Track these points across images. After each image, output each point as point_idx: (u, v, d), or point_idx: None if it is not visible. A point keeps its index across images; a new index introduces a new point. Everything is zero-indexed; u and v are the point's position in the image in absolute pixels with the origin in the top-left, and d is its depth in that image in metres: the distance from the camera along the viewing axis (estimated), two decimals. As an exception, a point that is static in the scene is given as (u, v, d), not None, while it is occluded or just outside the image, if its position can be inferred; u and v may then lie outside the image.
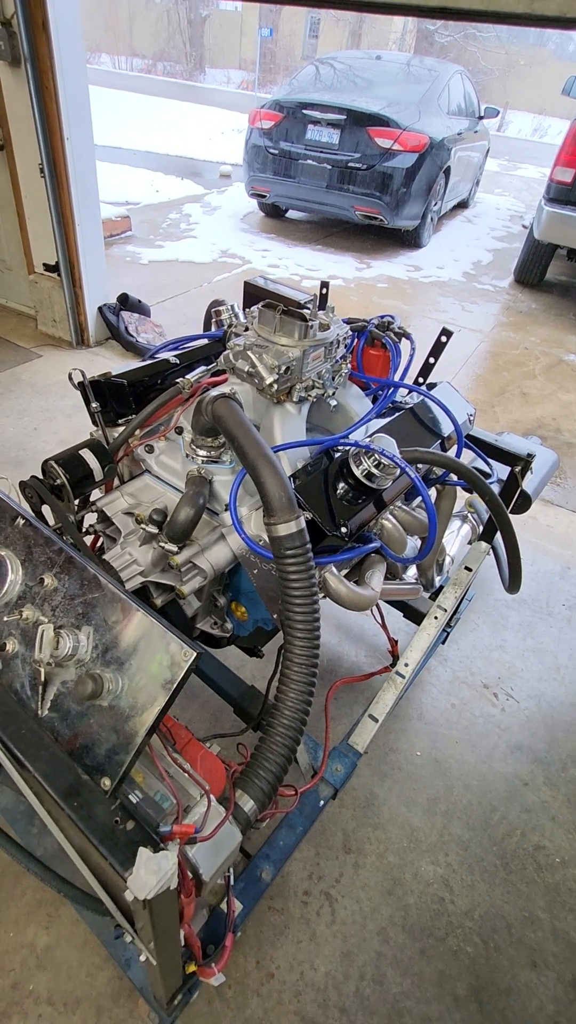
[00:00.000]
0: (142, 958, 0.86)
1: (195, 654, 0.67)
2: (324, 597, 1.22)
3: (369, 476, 1.12)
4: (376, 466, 1.11)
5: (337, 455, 1.18)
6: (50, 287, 3.77)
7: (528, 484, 2.07)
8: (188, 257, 6.09)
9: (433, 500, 1.61)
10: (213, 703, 2.02)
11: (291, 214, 7.78)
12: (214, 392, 1.11)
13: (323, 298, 1.78)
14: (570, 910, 1.70)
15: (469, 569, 1.82)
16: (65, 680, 0.77)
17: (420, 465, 1.33)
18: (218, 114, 15.40)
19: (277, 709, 0.95)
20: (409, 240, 7.15)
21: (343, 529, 1.07)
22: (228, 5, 26.36)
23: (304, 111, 6.33)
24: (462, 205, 9.22)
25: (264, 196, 7.01)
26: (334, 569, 1.16)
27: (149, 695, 0.69)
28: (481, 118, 8.17)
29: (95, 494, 1.34)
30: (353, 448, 1.12)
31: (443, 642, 2.24)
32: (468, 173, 8.37)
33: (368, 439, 1.11)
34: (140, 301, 4.13)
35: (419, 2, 2.19)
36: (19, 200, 3.58)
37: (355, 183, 6.35)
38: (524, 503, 2.09)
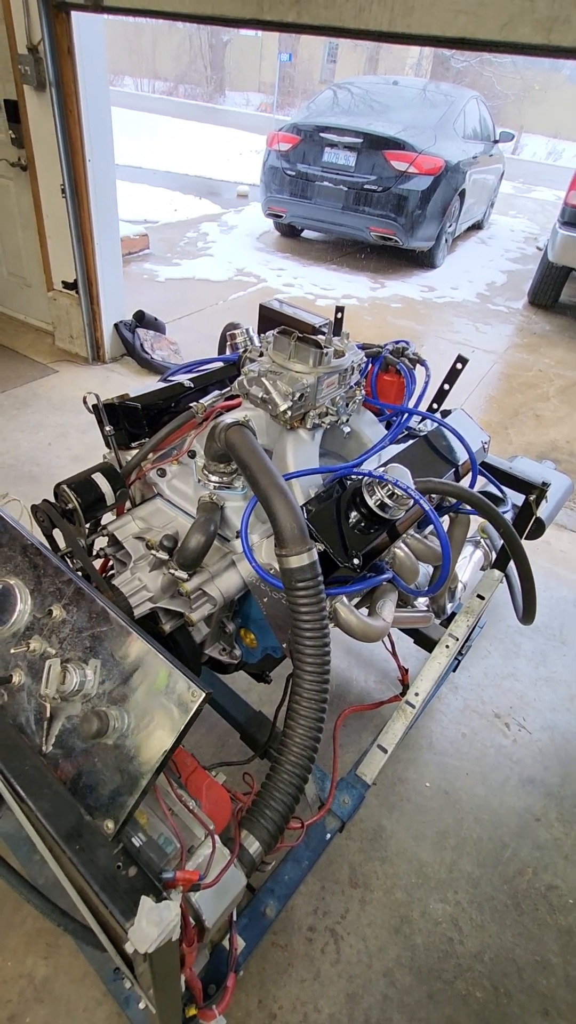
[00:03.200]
0: (141, 1005, 0.83)
1: (203, 695, 0.66)
2: (334, 627, 1.20)
3: (382, 506, 1.10)
4: (389, 496, 1.09)
5: (350, 483, 1.17)
6: (68, 304, 3.83)
7: (542, 510, 2.05)
8: (204, 275, 6.17)
9: (446, 528, 1.59)
10: (220, 728, 1.99)
11: (306, 234, 7.87)
12: (228, 419, 1.10)
13: (338, 323, 1.78)
14: (584, 956, 1.63)
15: (482, 597, 1.79)
16: (71, 715, 0.75)
17: (433, 496, 1.32)
18: (237, 135, 15.71)
19: (285, 745, 0.92)
20: (423, 261, 7.20)
21: (355, 561, 1.06)
22: (249, 31, 27.01)
23: (321, 134, 6.43)
24: (477, 227, 9.28)
25: (280, 216, 7.11)
26: (345, 599, 1.14)
27: (155, 735, 0.67)
28: (496, 142, 8.25)
29: (106, 517, 1.33)
30: (367, 478, 1.11)
31: (454, 670, 2.20)
32: (483, 195, 8.44)
33: (382, 469, 1.09)
34: (156, 319, 4.17)
35: (438, 33, 2.22)
36: (40, 219, 3.65)
37: (371, 204, 6.42)
38: (538, 529, 2.06)
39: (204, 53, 25.36)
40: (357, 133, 6.27)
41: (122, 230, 6.33)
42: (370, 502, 1.11)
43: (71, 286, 3.75)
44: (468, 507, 1.47)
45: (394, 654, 1.75)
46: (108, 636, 0.75)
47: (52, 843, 0.70)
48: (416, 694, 1.70)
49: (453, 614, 1.83)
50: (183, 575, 1.11)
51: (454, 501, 1.53)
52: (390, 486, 1.08)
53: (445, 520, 1.73)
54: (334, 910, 1.65)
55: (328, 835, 1.54)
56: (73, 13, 2.92)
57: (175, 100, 22.42)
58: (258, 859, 0.86)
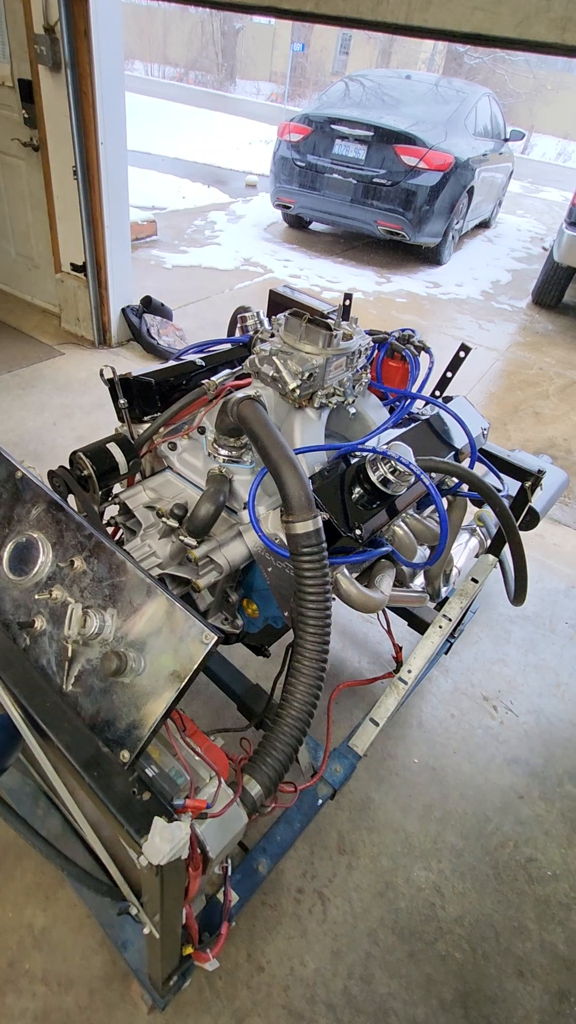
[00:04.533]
0: (146, 931, 0.90)
1: (215, 637, 0.71)
2: (334, 598, 1.26)
3: (385, 482, 1.16)
4: (392, 472, 1.15)
5: (354, 461, 1.22)
6: (76, 286, 3.86)
7: (537, 502, 2.11)
8: (211, 263, 6.19)
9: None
10: (217, 700, 2.05)
11: (314, 226, 7.89)
12: (239, 394, 1.15)
13: (346, 309, 1.83)
14: (559, 923, 1.71)
15: (475, 581, 1.86)
16: (89, 658, 0.81)
17: (433, 475, 1.37)
18: (246, 124, 15.63)
19: (287, 701, 0.99)
20: (429, 257, 7.23)
21: (357, 532, 1.11)
22: (262, 18, 26.77)
23: (333, 126, 6.43)
24: (484, 225, 9.30)
25: (289, 207, 7.12)
26: (345, 571, 1.20)
27: (170, 674, 0.73)
28: (506, 140, 8.26)
29: (117, 487, 1.38)
30: (371, 454, 1.16)
31: (446, 652, 2.27)
32: (491, 194, 8.46)
33: (385, 446, 1.15)
34: (163, 304, 4.21)
35: (454, 28, 2.25)
36: (50, 200, 3.67)
37: (379, 198, 6.44)
38: (532, 520, 2.12)
39: (216, 40, 25.16)
40: (368, 126, 6.28)
41: (131, 215, 6.36)
42: (373, 477, 1.16)
43: (79, 269, 3.77)
44: (466, 488, 1.53)
45: (389, 632, 1.82)
46: (126, 586, 0.81)
47: (72, 774, 0.76)
48: (409, 671, 1.76)
49: (447, 598, 1.90)
50: (192, 542, 1.16)
51: (453, 484, 1.59)
52: (392, 462, 1.14)
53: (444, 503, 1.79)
54: (322, 874, 1.72)
55: (320, 801, 1.61)
56: (91, -6, 2.94)
57: (185, 86, 22.26)
58: (259, 801, 0.92)
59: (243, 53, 26.40)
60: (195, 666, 0.71)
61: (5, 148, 3.79)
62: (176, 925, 0.91)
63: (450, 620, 1.78)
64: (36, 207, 3.86)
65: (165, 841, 0.64)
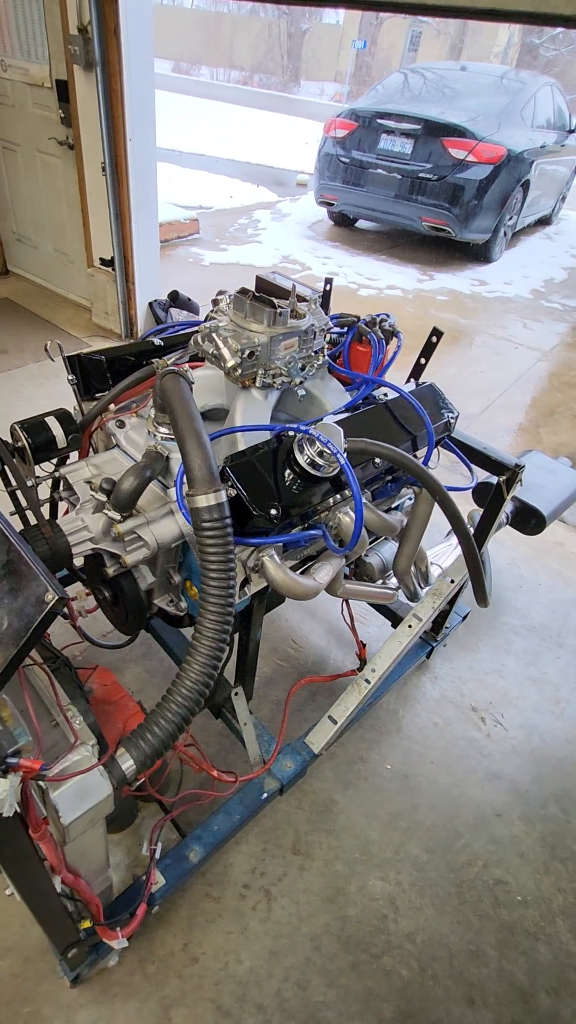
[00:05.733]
0: (7, 892, 0.89)
1: (57, 597, 0.70)
2: (262, 579, 1.21)
3: (313, 464, 1.11)
4: (319, 454, 1.10)
5: (285, 440, 1.18)
6: (105, 281, 3.96)
7: (545, 504, 1.98)
8: (249, 261, 6.23)
9: (411, 503, 1.57)
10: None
11: (360, 223, 7.79)
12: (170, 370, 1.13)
13: (326, 295, 1.79)
14: (522, 953, 1.59)
15: (452, 581, 1.76)
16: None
17: (379, 460, 1.31)
18: (307, 125, 15.66)
19: (179, 679, 0.96)
20: (479, 254, 6.99)
21: (272, 511, 1.07)
22: (329, 19, 26.81)
23: (379, 120, 6.34)
24: (544, 221, 8.90)
25: (332, 204, 7.07)
26: (273, 553, 1.16)
27: (16, 632, 0.72)
28: (571, 132, 7.87)
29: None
30: (297, 434, 1.12)
31: (427, 656, 2.17)
32: (552, 188, 8.08)
33: (312, 427, 1.10)
34: (190, 299, 4.25)
35: (468, 4, 2.16)
36: (84, 197, 3.79)
37: (424, 193, 6.29)
38: (538, 524, 1.99)
39: (282, 42, 25.38)
40: (416, 120, 6.14)
41: (173, 214, 6.49)
42: (300, 459, 1.12)
43: (108, 263, 3.88)
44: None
45: (353, 629, 1.75)
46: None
47: None
48: (373, 670, 1.69)
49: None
50: (116, 516, 1.16)
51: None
52: (319, 444, 1.09)
53: (409, 493, 1.71)
54: (272, 872, 1.67)
55: (265, 794, 1.57)
56: (121, -7, 3.01)
57: (249, 89, 22.56)
58: (131, 776, 0.89)
59: (309, 54, 26.48)
60: (35, 624, 0.70)
61: (44, 147, 3.94)
62: (43, 891, 0.90)
63: (420, 620, 1.70)
64: (71, 204, 3.99)
65: (-23, 799, 0.63)
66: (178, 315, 4.13)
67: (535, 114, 6.98)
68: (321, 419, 1.33)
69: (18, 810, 0.69)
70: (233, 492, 1.05)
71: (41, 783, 0.77)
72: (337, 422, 1.25)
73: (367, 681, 1.69)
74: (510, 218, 6.93)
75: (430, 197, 6.28)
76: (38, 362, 3.78)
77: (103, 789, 0.82)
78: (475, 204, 6.22)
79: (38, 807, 0.76)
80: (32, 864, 0.80)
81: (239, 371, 1.24)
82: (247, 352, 1.22)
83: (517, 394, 4.46)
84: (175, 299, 4.18)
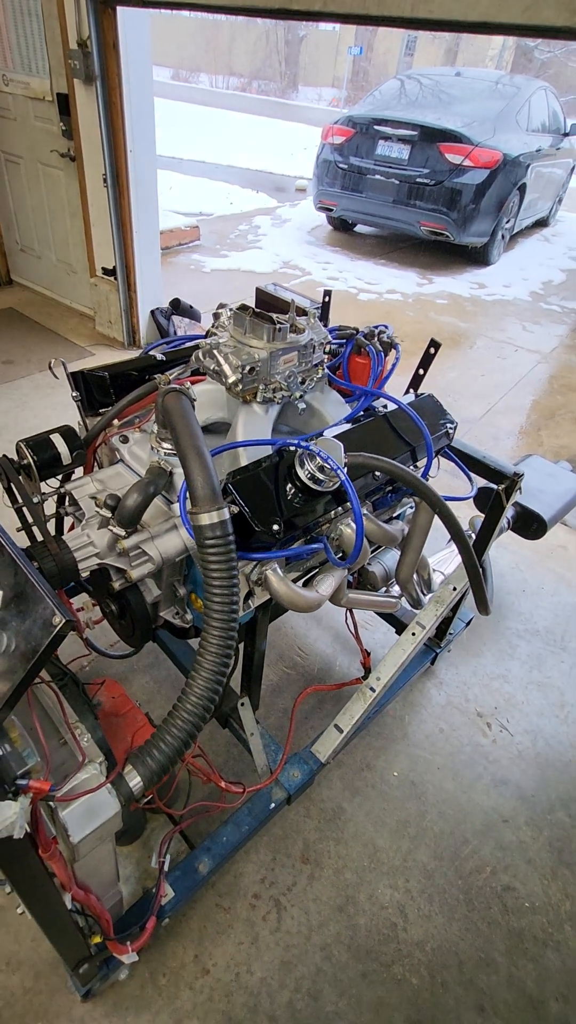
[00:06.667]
0: (19, 910, 0.90)
1: (64, 620, 0.71)
2: (265, 592, 1.23)
3: (313, 479, 1.12)
4: (320, 469, 1.11)
5: (286, 455, 1.19)
6: (107, 290, 3.99)
7: (546, 509, 1.99)
8: (250, 267, 6.26)
9: (412, 513, 1.58)
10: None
11: (359, 228, 7.82)
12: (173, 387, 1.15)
13: (325, 307, 1.80)
14: (531, 959, 1.60)
15: (454, 588, 1.77)
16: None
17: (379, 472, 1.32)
18: (305, 131, 15.73)
19: (184, 694, 0.97)
20: (477, 257, 7.01)
21: (274, 527, 1.08)
22: (326, 24, 26.92)
23: (376, 127, 6.37)
24: (541, 223, 8.92)
25: (331, 210, 7.10)
26: (276, 567, 1.17)
27: (25, 654, 0.73)
28: (567, 135, 7.89)
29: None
30: (299, 449, 1.13)
31: (432, 662, 2.17)
32: (548, 190, 8.10)
33: (314, 442, 1.11)
34: (191, 307, 4.29)
35: (459, 17, 2.18)
36: (86, 208, 3.82)
37: (422, 198, 6.32)
38: (539, 529, 2.00)
39: (280, 49, 25.52)
40: (412, 125, 6.17)
41: (174, 221, 6.54)
42: (301, 474, 1.13)
43: (110, 272, 3.91)
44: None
45: (356, 637, 1.76)
46: None
47: None
48: (378, 679, 1.70)
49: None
50: (121, 532, 1.17)
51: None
52: (319, 459, 1.10)
53: (411, 504, 1.72)
54: (281, 881, 1.68)
55: (272, 804, 1.57)
56: (119, 8, 3.04)
57: (247, 96, 22.67)
58: (138, 793, 0.91)
59: (306, 60, 26.60)
60: (44, 647, 0.71)
61: (46, 160, 3.98)
62: (54, 909, 0.91)
63: (424, 627, 1.71)
64: (74, 215, 4.03)
65: (-10, 821, 0.64)
66: (180, 323, 4.16)
67: (530, 118, 7.00)
68: (321, 433, 1.34)
69: (28, 830, 0.70)
70: (236, 509, 1.07)
71: (51, 803, 0.78)
72: (337, 435, 1.26)
73: (372, 689, 1.70)
74: (507, 221, 6.95)
75: (428, 202, 6.30)
76: (43, 372, 3.81)
77: (111, 807, 0.83)
78: (472, 208, 6.24)
79: (47, 827, 0.77)
80: (42, 882, 0.81)
81: (240, 386, 1.25)
82: (248, 368, 1.24)
83: (518, 397, 4.47)
84: (177, 307, 4.21)
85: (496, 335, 5.42)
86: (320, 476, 1.11)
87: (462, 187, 6.12)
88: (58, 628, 0.70)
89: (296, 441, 1.14)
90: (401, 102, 6.95)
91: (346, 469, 1.09)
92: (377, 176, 6.45)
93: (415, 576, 1.69)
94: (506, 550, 2.91)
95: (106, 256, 3.89)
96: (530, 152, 6.72)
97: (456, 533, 1.25)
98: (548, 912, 1.69)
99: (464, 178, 6.11)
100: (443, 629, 2.13)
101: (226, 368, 1.23)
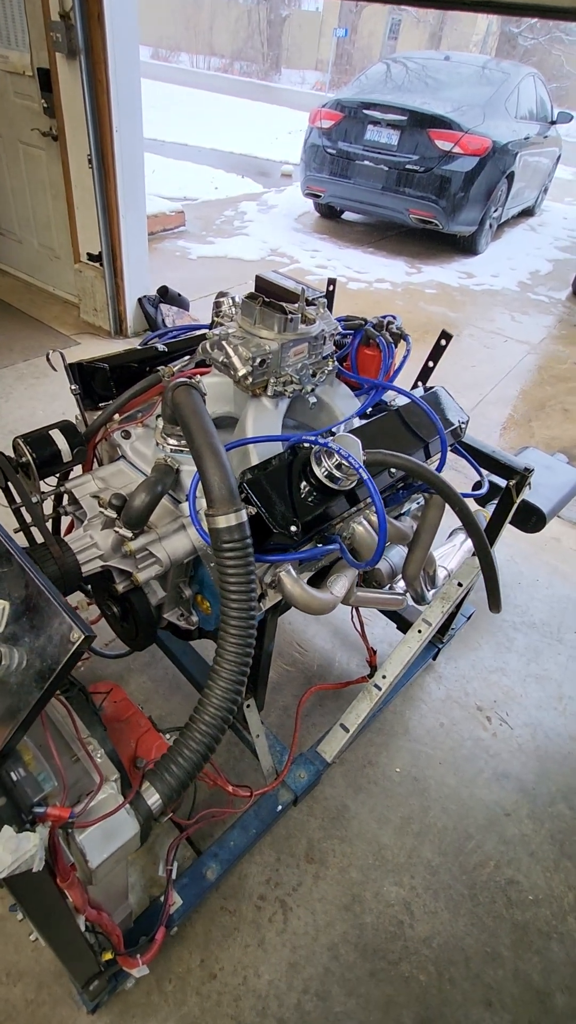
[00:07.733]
0: (32, 937, 0.86)
1: (83, 636, 0.66)
2: (278, 595, 1.19)
3: (331, 477, 1.08)
4: (337, 467, 1.07)
5: (301, 452, 1.15)
6: (93, 276, 3.87)
7: (545, 502, 1.97)
8: (237, 254, 6.14)
9: (421, 510, 1.55)
10: (196, 696, 2.01)
11: (346, 216, 7.72)
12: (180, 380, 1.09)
13: (329, 295, 1.75)
14: (537, 952, 1.60)
15: (460, 584, 1.75)
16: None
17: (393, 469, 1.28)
18: (289, 114, 15.48)
19: (202, 705, 0.93)
20: (465, 246, 6.97)
21: (292, 528, 1.04)
22: (309, 5, 26.46)
23: (365, 111, 6.26)
24: (527, 212, 8.91)
25: (319, 196, 6.99)
26: (291, 569, 1.13)
27: (40, 672, 0.68)
28: (553, 123, 7.86)
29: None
30: (316, 447, 1.09)
31: (434, 658, 2.16)
32: (535, 179, 8.08)
33: (330, 439, 1.07)
34: (180, 295, 4.18)
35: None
36: (69, 191, 3.69)
37: (411, 186, 6.24)
38: (538, 522, 1.99)
39: (262, 29, 25.01)
40: (402, 110, 6.08)
41: (159, 206, 6.37)
42: (318, 472, 1.09)
43: (96, 258, 3.79)
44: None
45: (363, 635, 1.73)
46: (6, 577, 0.76)
47: None
48: (384, 676, 1.68)
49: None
50: (128, 533, 1.12)
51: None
52: (337, 456, 1.06)
53: (419, 500, 1.69)
54: (286, 882, 1.66)
55: (279, 807, 1.55)
56: (104, -22, 2.91)
57: (229, 77, 22.23)
58: (157, 811, 0.87)
59: (289, 42, 26.12)
60: (62, 664, 0.66)
61: (27, 138, 3.83)
62: (69, 934, 0.87)
63: (430, 624, 1.69)
64: (56, 197, 3.89)
65: (8, 852, 0.60)
66: (168, 312, 4.06)
67: (518, 105, 6.96)
68: (332, 428, 1.30)
69: (46, 860, 0.66)
70: (252, 510, 1.02)
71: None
72: (351, 431, 1.22)
73: (378, 687, 1.68)
74: (495, 210, 6.92)
75: (417, 189, 6.23)
76: (26, 361, 3.69)
77: (130, 828, 0.80)
78: (462, 196, 6.19)
79: (65, 854, 0.73)
80: (58, 910, 0.77)
81: (250, 379, 1.20)
82: (258, 360, 1.19)
83: (508, 388, 4.47)
84: (165, 294, 4.11)
85: (485, 325, 5.40)
86: (337, 474, 1.07)
87: (451, 174, 6.07)
88: (76, 644, 0.65)
89: (312, 437, 1.10)
90: (388, 86, 6.85)
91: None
92: (366, 162, 6.36)
93: (421, 573, 1.66)
94: (501, 543, 2.88)
95: (91, 241, 3.76)
96: (518, 140, 6.69)
97: (475, 532, 1.22)
98: (551, 904, 1.70)
99: (453, 165, 6.05)
100: (445, 625, 2.12)
101: (236, 360, 1.18)
